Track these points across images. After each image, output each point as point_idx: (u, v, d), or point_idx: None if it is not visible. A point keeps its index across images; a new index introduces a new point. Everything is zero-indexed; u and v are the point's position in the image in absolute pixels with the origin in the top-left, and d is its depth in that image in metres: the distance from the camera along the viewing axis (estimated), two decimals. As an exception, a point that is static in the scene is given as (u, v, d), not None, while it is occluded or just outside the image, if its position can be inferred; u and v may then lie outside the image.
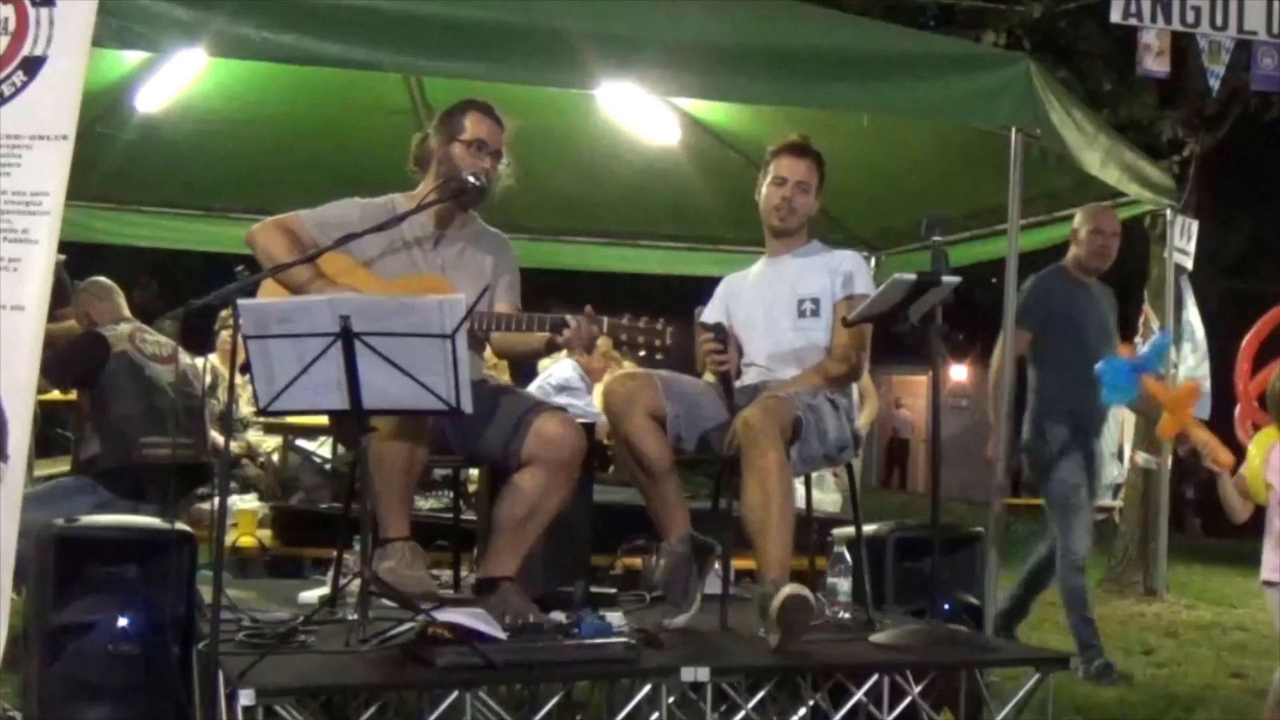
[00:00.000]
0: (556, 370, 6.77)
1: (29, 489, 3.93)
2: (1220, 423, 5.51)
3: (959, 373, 22.45)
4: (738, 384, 4.11)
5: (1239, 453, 4.09)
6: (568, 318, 3.72)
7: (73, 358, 5.11)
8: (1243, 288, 15.55)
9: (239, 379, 5.72)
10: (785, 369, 4.10)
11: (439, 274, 3.96)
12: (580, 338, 3.70)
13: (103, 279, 5.49)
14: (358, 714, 3.39)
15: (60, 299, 5.00)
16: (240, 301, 3.27)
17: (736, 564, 4.48)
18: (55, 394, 6.81)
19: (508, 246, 4.20)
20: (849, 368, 4.09)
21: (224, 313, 5.81)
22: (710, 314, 4.20)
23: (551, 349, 3.97)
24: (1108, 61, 9.29)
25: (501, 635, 3.23)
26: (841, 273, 4.13)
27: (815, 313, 4.12)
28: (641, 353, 3.71)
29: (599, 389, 6.85)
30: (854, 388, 4.22)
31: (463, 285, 3.85)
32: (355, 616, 3.40)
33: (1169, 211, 6.75)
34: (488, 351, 4.18)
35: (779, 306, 4.15)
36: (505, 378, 5.78)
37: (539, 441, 3.74)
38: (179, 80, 5.23)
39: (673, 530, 3.91)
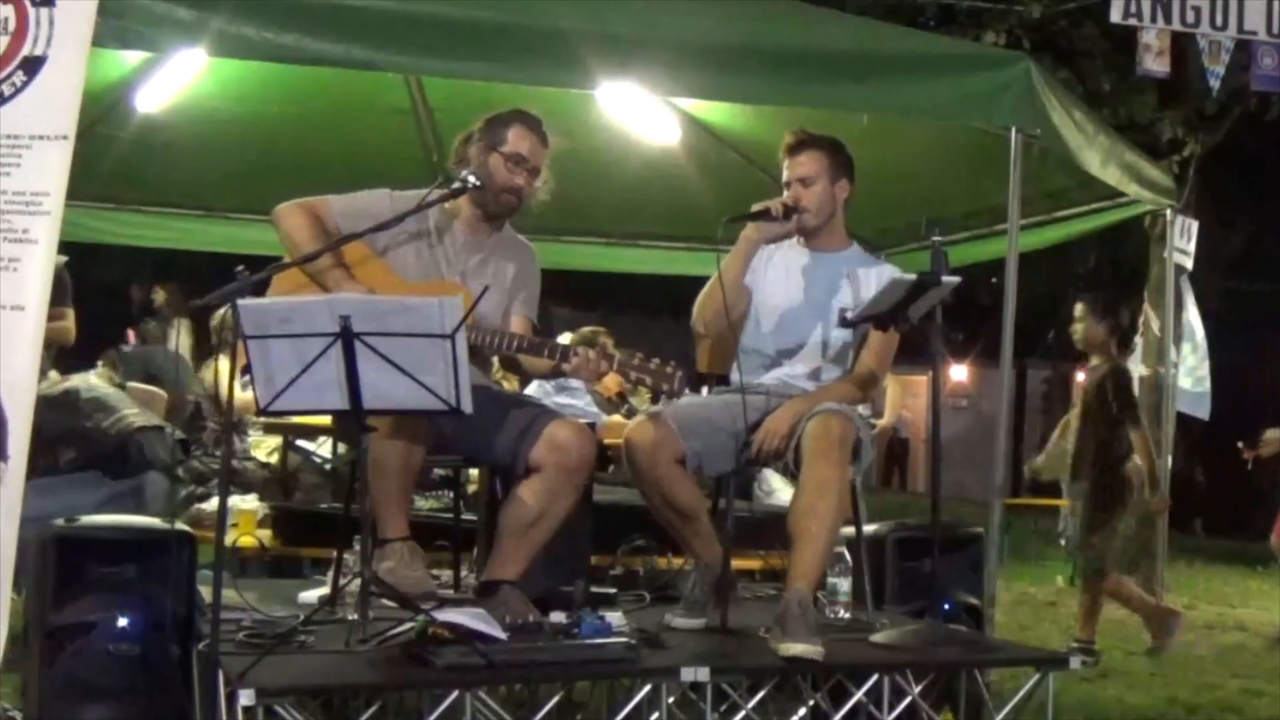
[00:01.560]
0: (556, 370, 6.77)
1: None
2: (1220, 422, 5.50)
3: (959, 373, 22.47)
4: (750, 377, 4.07)
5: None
6: (577, 349, 3.74)
7: None
8: (1243, 288, 15.57)
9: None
10: (797, 367, 4.06)
11: (459, 280, 3.96)
12: (587, 370, 3.71)
13: None
14: (358, 714, 3.39)
15: (59, 299, 4.99)
16: (240, 302, 3.27)
17: (736, 564, 4.48)
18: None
19: (532, 258, 4.19)
20: (875, 383, 4.08)
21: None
22: None
23: (556, 376, 3.98)
24: (1108, 61, 9.31)
25: (501, 635, 3.23)
26: (879, 281, 4.00)
27: (847, 325, 4.05)
28: (649, 395, 3.71)
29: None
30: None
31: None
32: (355, 616, 3.40)
33: (1169, 211, 6.74)
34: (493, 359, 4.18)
35: (816, 305, 4.07)
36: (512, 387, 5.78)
37: (549, 447, 3.73)
38: (179, 80, 5.22)
39: (707, 552, 3.93)
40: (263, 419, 5.76)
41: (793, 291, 4.10)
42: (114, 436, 5.20)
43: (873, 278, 4.06)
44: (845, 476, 3.73)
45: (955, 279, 3.74)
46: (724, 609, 3.89)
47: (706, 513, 3.97)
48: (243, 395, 6.51)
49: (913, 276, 3.71)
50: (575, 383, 6.81)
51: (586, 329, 6.70)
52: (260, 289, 3.57)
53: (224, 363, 6.19)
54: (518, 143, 3.95)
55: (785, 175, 4.10)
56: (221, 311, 5.23)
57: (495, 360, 4.20)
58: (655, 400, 3.73)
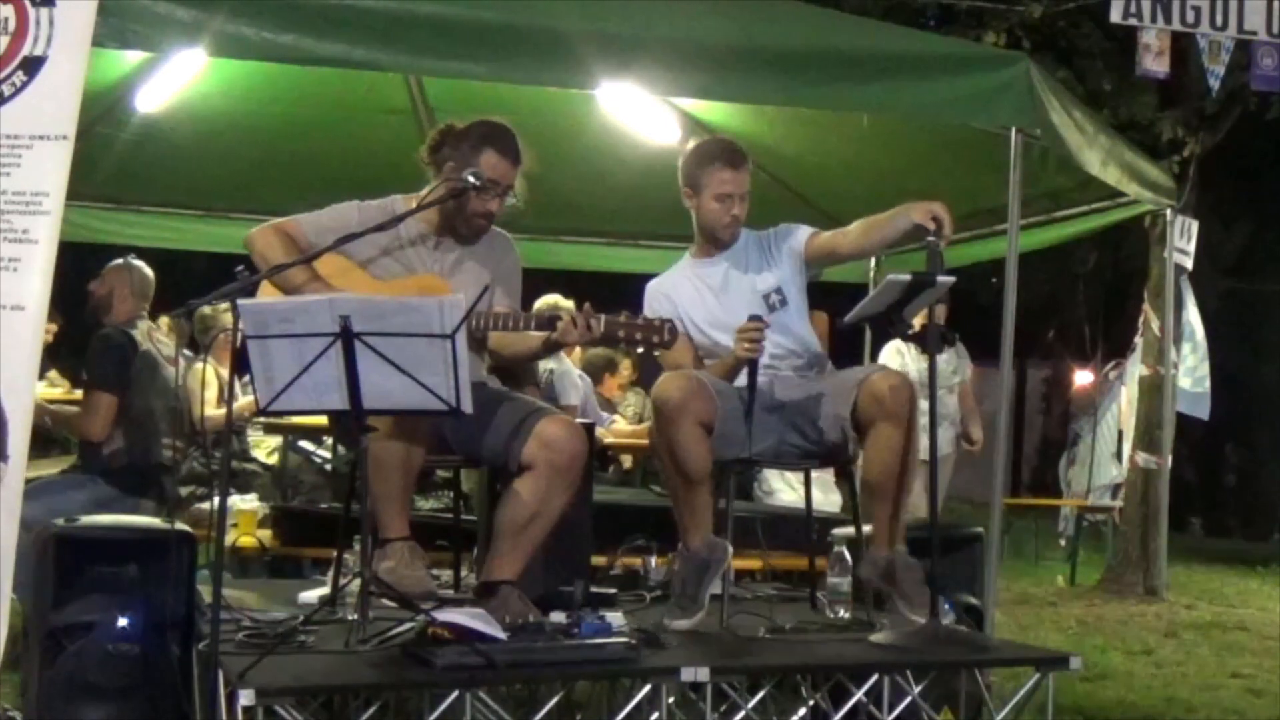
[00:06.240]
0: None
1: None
2: (1220, 422, 5.50)
3: (959, 373, 22.44)
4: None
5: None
6: (560, 313, 3.71)
7: (117, 359, 5.01)
8: (1243, 288, 15.56)
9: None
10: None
11: (438, 275, 3.96)
12: (575, 333, 3.69)
13: (148, 272, 5.26)
14: (358, 714, 3.39)
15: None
16: (240, 301, 3.27)
17: (736, 564, 4.48)
18: (57, 393, 6.82)
19: (511, 248, 4.17)
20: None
21: (207, 310, 5.54)
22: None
23: (550, 348, 3.96)
24: (1108, 61, 9.30)
25: (501, 635, 3.23)
26: (784, 243, 4.15)
27: (784, 302, 4.10)
28: (641, 349, 3.70)
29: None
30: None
31: (462, 288, 3.84)
32: (355, 616, 3.40)
33: (1169, 211, 6.76)
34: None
35: (747, 306, 4.04)
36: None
37: (540, 445, 3.72)
38: (179, 80, 5.22)
39: (695, 534, 3.86)
40: (263, 419, 5.76)
41: (725, 301, 4.12)
42: (141, 454, 4.99)
43: (769, 245, 4.17)
44: (915, 436, 3.81)
45: (950, 278, 3.75)
46: (724, 609, 3.89)
47: (710, 486, 3.89)
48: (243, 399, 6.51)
49: (907, 276, 3.71)
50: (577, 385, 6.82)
51: (547, 298, 6.52)
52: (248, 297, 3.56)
53: (200, 365, 6.19)
54: (491, 170, 3.91)
55: (726, 188, 4.11)
56: (205, 310, 5.16)
57: (486, 357, 4.19)
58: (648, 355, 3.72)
